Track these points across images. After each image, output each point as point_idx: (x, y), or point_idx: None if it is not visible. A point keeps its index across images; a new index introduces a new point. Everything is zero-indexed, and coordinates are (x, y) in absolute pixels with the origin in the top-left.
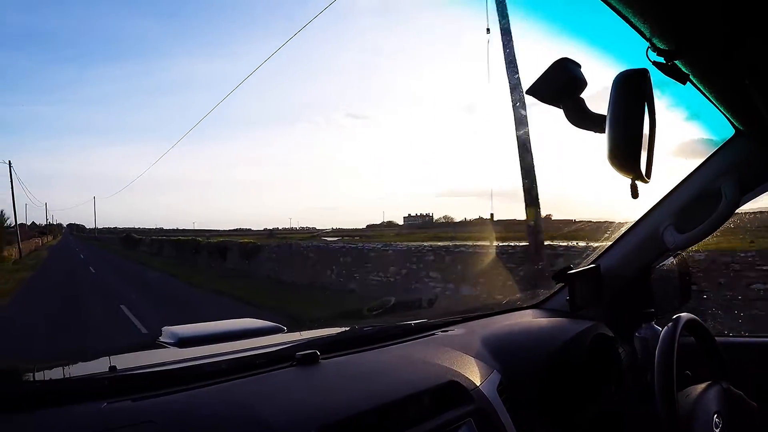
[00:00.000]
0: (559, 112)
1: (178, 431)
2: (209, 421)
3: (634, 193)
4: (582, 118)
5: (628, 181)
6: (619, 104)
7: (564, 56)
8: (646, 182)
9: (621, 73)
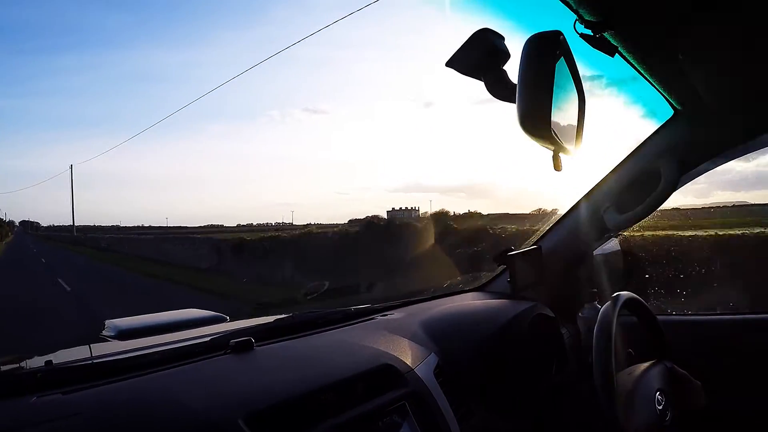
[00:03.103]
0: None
1: (105, 423)
2: (136, 411)
3: (557, 166)
4: (503, 90)
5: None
6: (527, 67)
7: (485, 27)
8: (569, 154)
9: (532, 35)
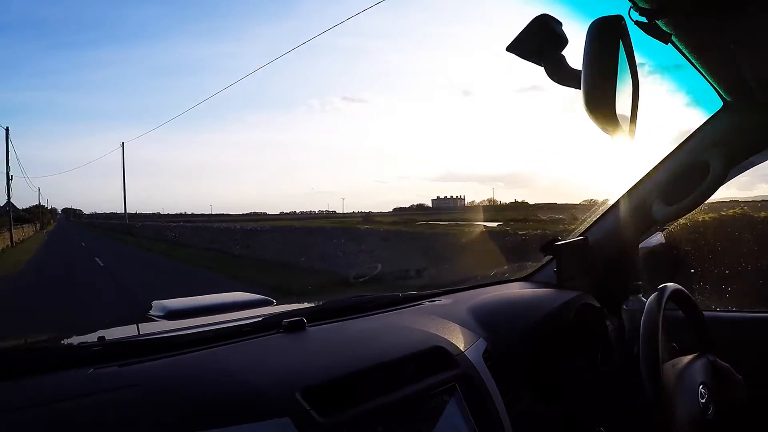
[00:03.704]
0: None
1: (162, 394)
2: (193, 385)
3: (618, 147)
4: (563, 74)
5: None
6: (593, 50)
7: (544, 12)
8: (630, 138)
9: (595, 20)
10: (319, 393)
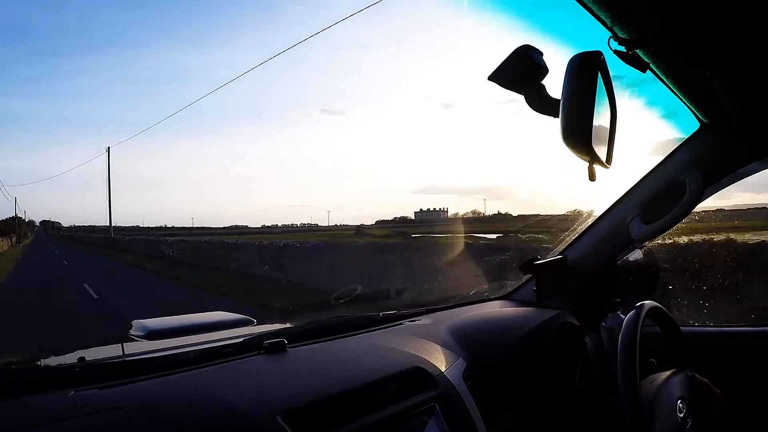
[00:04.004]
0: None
1: (145, 417)
2: (176, 407)
3: (591, 176)
4: (542, 103)
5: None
6: (571, 84)
7: (526, 43)
8: (606, 167)
9: (575, 55)
10: (300, 415)
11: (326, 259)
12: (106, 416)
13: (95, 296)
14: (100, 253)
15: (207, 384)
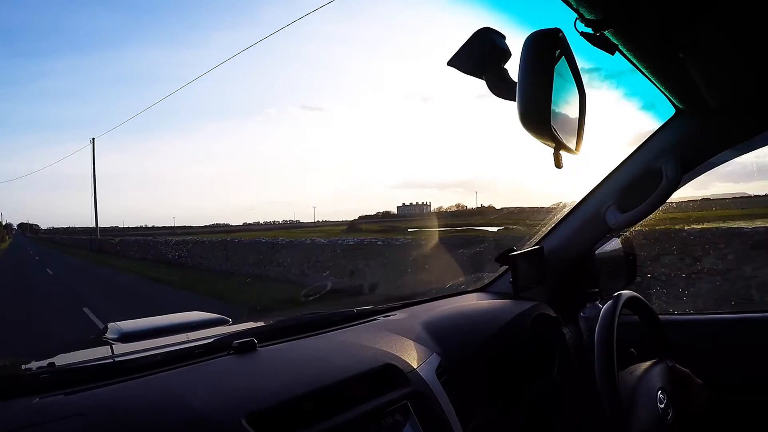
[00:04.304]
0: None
1: (108, 423)
2: (139, 412)
3: (557, 163)
4: (503, 88)
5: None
6: (527, 64)
7: (486, 26)
8: (574, 153)
9: (531, 33)
10: (267, 417)
11: (390, 260)
12: (68, 423)
13: (99, 324)
14: (91, 259)
15: (173, 386)
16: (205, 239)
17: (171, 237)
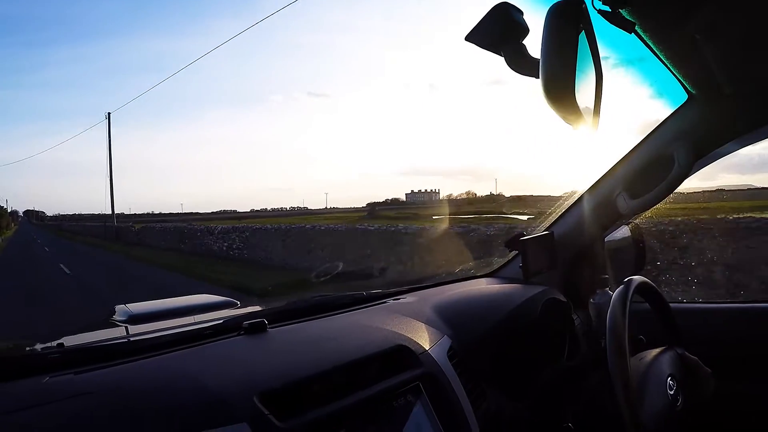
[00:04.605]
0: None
1: (116, 401)
2: (149, 392)
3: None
4: (522, 63)
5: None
6: (551, 36)
7: (504, 0)
8: (590, 128)
9: (553, 4)
10: (278, 396)
11: (452, 248)
12: (77, 402)
13: None
14: (116, 251)
15: (183, 367)
16: (268, 226)
17: (214, 223)
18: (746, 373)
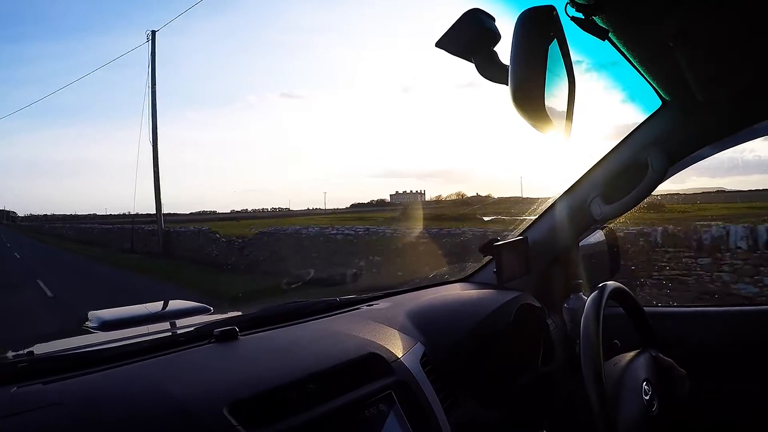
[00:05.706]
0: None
1: (87, 412)
2: (119, 401)
3: (551, 148)
4: (493, 70)
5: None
6: (521, 42)
7: (475, 6)
8: (563, 137)
9: (526, 9)
10: (248, 407)
11: None
12: (46, 413)
13: None
14: (121, 264)
15: (153, 375)
16: (287, 228)
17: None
18: (720, 374)
